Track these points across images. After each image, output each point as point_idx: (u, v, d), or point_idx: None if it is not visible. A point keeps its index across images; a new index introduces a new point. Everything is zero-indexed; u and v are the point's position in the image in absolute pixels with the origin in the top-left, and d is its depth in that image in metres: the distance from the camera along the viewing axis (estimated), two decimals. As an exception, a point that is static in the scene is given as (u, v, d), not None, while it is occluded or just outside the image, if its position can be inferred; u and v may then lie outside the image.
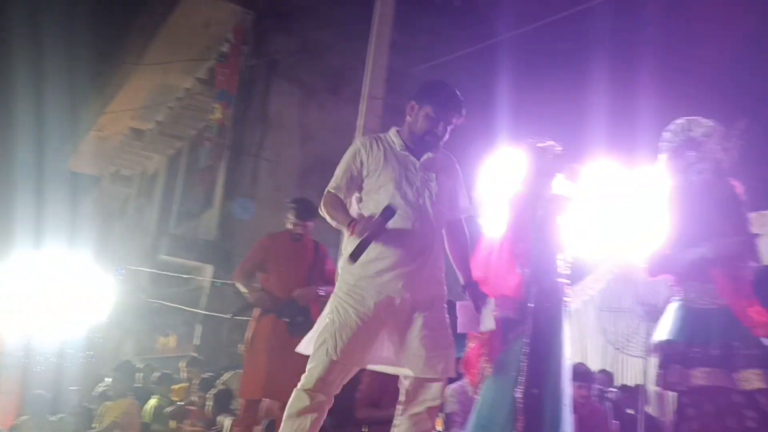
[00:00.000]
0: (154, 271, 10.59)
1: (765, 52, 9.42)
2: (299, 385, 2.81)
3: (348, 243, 2.87)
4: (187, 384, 7.00)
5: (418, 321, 2.83)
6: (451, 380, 3.58)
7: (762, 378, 2.75)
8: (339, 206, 2.92)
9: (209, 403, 6.06)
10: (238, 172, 10.28)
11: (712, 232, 2.92)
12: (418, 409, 2.84)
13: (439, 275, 2.94)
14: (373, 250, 2.78)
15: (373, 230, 2.72)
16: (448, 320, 2.94)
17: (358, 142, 3.07)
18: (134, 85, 12.36)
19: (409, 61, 9.60)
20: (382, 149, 2.95)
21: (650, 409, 5.50)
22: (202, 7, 10.33)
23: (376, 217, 2.75)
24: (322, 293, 4.73)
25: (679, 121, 3.21)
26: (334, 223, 2.92)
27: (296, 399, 2.80)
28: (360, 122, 7.30)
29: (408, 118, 3.00)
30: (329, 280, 5.06)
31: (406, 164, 2.93)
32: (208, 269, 10.27)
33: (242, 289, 4.75)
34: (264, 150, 9.98)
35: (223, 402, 5.97)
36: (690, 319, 2.93)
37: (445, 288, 2.97)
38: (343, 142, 8.40)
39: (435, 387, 2.85)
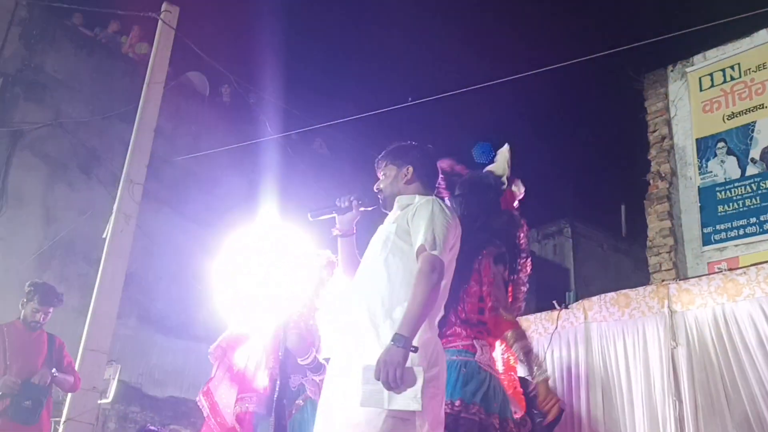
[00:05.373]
0: None
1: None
2: None
3: None
4: None
5: None
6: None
7: None
8: None
9: None
10: (-40, 250, 9.02)
11: None
12: None
13: None
14: None
15: None
16: None
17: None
18: None
19: (173, 149, 9.39)
20: None
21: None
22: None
23: None
24: (56, 375, 4.50)
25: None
26: None
27: None
28: (116, 206, 6.91)
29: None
30: (69, 373, 4.72)
31: None
32: None
33: None
34: (-5, 226, 8.91)
35: None
36: None
37: None
38: (93, 226, 7.91)
39: None
